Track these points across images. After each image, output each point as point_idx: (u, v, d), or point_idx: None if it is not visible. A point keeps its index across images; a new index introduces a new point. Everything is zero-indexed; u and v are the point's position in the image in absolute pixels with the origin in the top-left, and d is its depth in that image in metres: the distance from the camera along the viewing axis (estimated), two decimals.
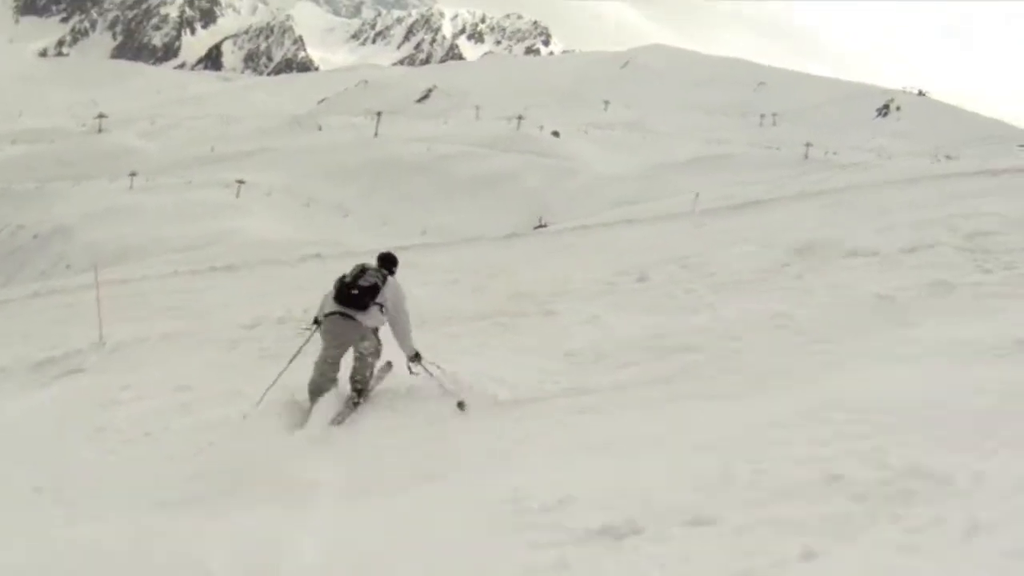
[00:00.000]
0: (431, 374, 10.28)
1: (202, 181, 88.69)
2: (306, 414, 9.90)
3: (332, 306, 10.08)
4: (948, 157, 70.08)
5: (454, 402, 9.71)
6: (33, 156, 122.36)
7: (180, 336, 17.11)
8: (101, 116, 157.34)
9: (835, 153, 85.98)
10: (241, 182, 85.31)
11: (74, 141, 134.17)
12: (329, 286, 10.37)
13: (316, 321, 10.40)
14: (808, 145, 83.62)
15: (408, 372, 10.45)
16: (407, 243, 40.80)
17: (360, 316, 9.99)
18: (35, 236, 79.06)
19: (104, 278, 43.98)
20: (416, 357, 10.33)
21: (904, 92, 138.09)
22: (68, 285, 47.10)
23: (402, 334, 10.31)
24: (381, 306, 10.13)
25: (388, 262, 10.87)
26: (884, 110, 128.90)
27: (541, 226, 48.36)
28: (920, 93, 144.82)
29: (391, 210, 75.38)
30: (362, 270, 10.21)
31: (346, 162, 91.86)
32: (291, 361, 10.48)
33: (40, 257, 74.01)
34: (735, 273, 15.86)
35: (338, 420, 9.84)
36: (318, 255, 39.90)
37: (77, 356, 16.56)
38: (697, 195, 37.87)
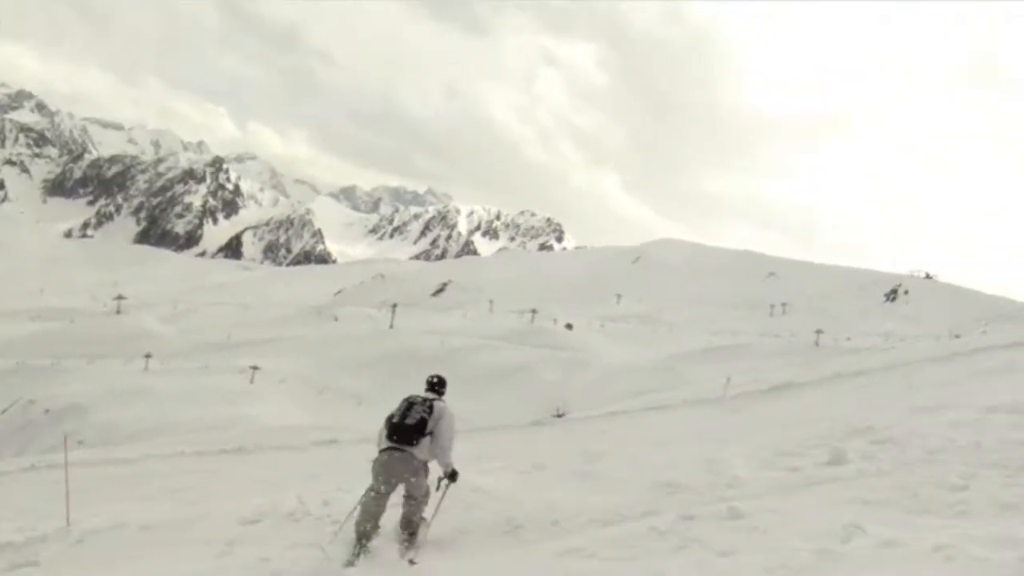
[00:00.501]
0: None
1: (218, 366, 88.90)
2: (355, 557, 9.89)
3: (384, 443, 10.18)
4: (957, 336, 69.88)
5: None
6: (51, 333, 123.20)
7: (165, 528, 14.22)
8: (120, 298, 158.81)
9: (848, 339, 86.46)
10: (255, 368, 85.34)
11: (92, 321, 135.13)
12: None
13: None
14: (819, 332, 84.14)
15: (435, 488, 10.51)
16: None
17: (411, 450, 10.01)
18: (47, 411, 78.98)
19: (107, 457, 44.05)
20: (453, 475, 10.41)
21: (911, 276, 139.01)
22: (68, 460, 46.93)
23: (442, 449, 10.27)
24: (431, 435, 10.19)
25: (438, 386, 11.13)
26: (892, 295, 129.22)
27: (559, 415, 48.09)
28: (927, 276, 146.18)
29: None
30: (409, 405, 10.36)
31: (361, 353, 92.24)
32: (352, 512, 10.51)
33: (50, 433, 73.37)
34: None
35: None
36: (334, 440, 39.78)
37: (38, 544, 14.45)
38: (728, 379, 37.86)
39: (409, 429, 10.06)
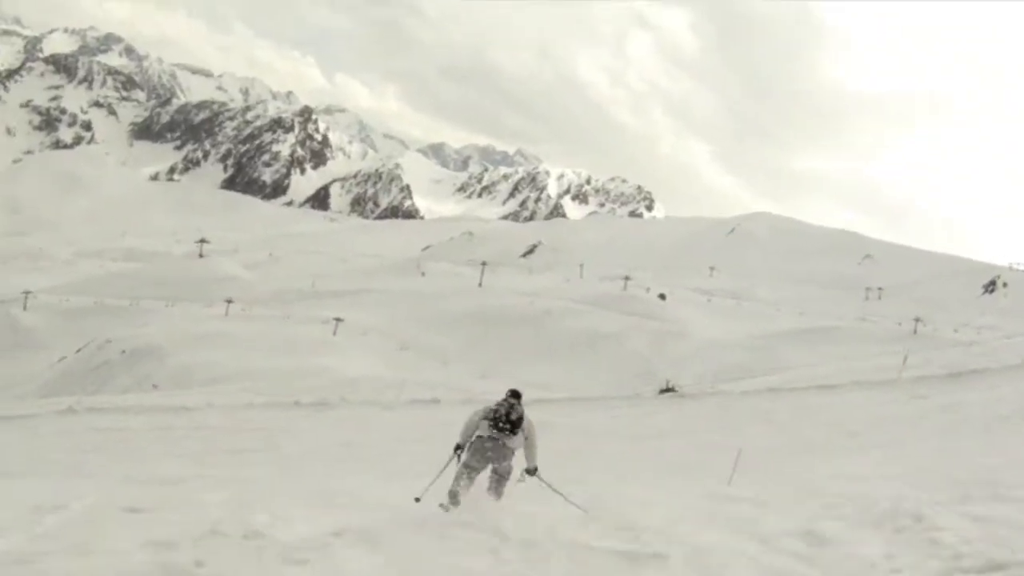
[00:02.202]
0: (549, 485, 12.08)
1: (300, 316, 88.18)
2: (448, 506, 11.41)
3: (487, 431, 11.67)
4: None
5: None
6: (131, 274, 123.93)
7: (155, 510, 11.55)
8: (203, 242, 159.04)
9: (955, 331, 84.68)
10: (339, 320, 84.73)
11: (174, 264, 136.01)
12: (457, 426, 12.30)
13: (458, 447, 11.93)
14: (917, 320, 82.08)
15: (518, 479, 12.06)
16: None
17: (509, 441, 11.69)
18: (123, 352, 78.72)
19: (169, 404, 42.01)
20: (534, 471, 12.11)
21: (1011, 269, 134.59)
22: (110, 404, 45.13)
23: (533, 451, 12.03)
24: (524, 435, 11.89)
25: (518, 396, 12.19)
26: (991, 287, 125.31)
27: (668, 389, 45.57)
28: None
29: (492, 361, 74.06)
30: (511, 406, 11.78)
31: (448, 310, 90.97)
32: (441, 471, 12.02)
33: (126, 374, 73.43)
34: None
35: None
36: (435, 400, 37.55)
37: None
38: (905, 358, 35.81)
39: (509, 424, 11.64)
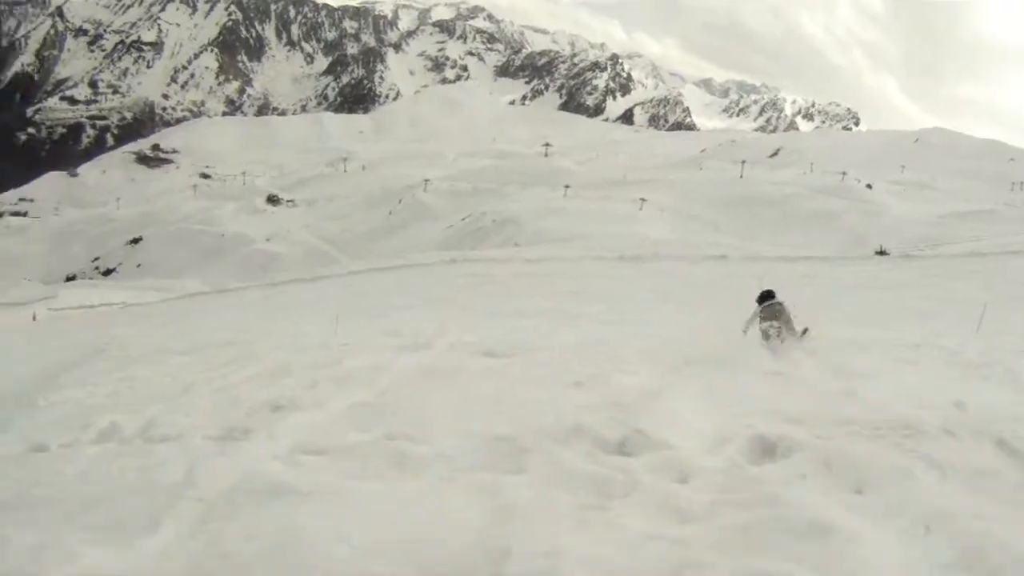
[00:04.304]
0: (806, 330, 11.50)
1: (615, 197, 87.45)
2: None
3: (765, 302, 11.68)
4: None
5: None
6: (498, 168, 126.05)
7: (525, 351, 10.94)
8: (547, 145, 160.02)
9: None
10: (643, 199, 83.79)
11: (527, 160, 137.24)
12: (737, 296, 13.39)
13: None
14: None
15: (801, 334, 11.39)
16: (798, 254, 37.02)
17: (780, 306, 11.53)
18: (493, 221, 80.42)
19: (522, 255, 41.64)
20: (806, 330, 11.45)
21: None
22: (483, 256, 45.54)
23: (791, 323, 11.37)
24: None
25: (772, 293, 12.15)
26: None
27: (881, 252, 42.40)
28: None
29: (751, 230, 71.83)
30: (770, 292, 11.91)
31: (718, 193, 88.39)
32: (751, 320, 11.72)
33: (496, 236, 74.82)
34: None
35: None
36: (724, 256, 35.68)
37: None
38: None
39: (774, 294, 11.75)
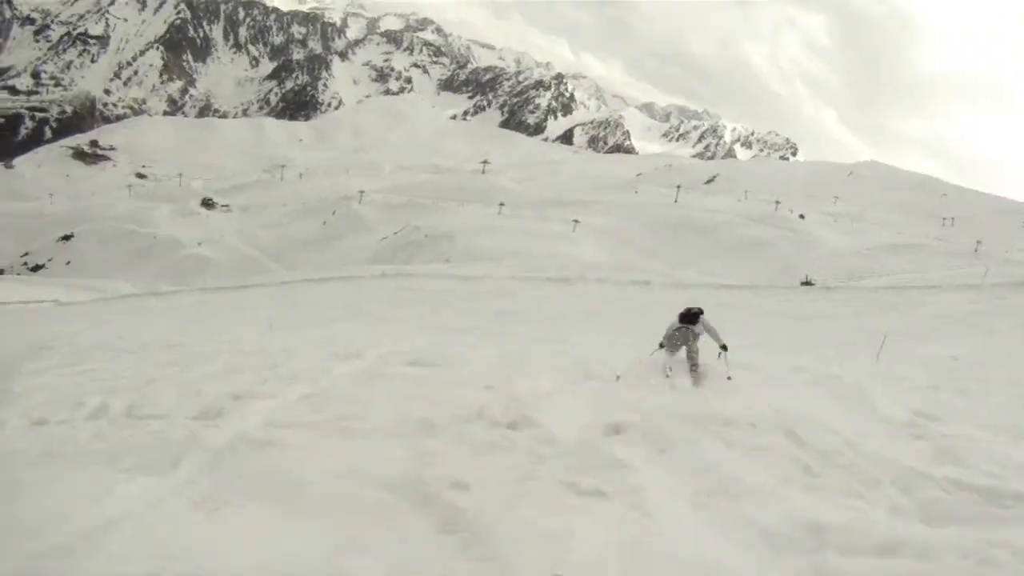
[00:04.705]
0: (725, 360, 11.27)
1: (550, 217, 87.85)
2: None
3: (677, 324, 11.58)
4: None
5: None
6: (435, 183, 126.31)
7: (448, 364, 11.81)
8: (485, 163, 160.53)
9: (1007, 251, 79.45)
10: (577, 221, 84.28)
11: (464, 177, 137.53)
12: (658, 321, 12.60)
13: (661, 345, 11.65)
14: (979, 242, 77.45)
15: (716, 356, 11.39)
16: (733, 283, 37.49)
17: (694, 328, 11.46)
18: (427, 236, 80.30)
19: (456, 273, 41.92)
20: (725, 347, 11.38)
21: None
22: (414, 271, 46.10)
23: (716, 332, 11.30)
24: (705, 328, 11.42)
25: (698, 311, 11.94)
26: None
27: (807, 283, 43.78)
28: None
29: (682, 256, 72.91)
30: (688, 310, 11.70)
31: (654, 217, 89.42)
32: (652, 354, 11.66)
33: (429, 251, 74.86)
34: None
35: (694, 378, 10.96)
36: (647, 282, 36.23)
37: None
38: (987, 270, 33.10)
39: (692, 316, 11.51)
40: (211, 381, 10.33)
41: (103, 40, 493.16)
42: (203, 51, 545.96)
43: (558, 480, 6.59)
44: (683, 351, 11.69)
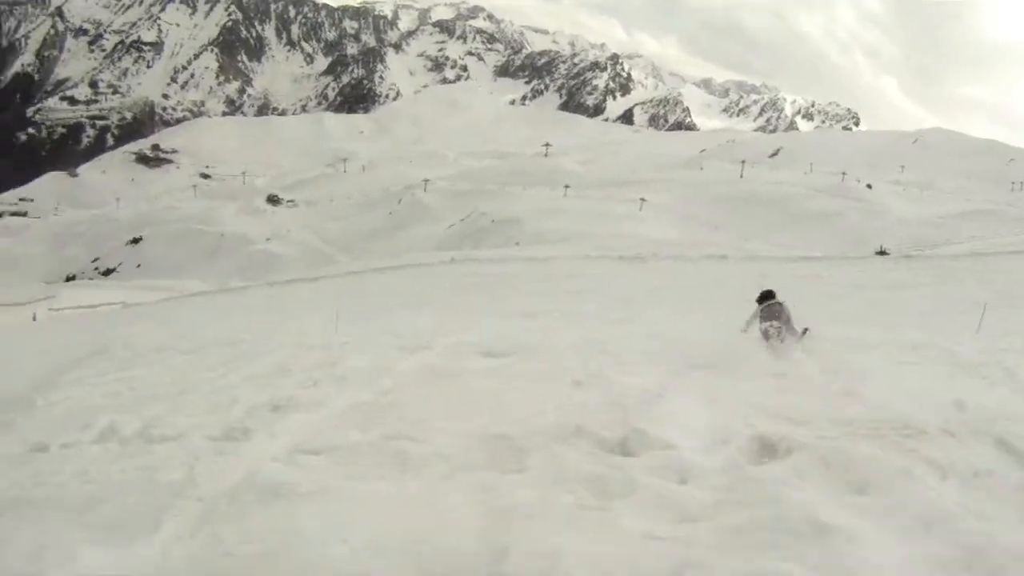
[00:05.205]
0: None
1: (615, 197, 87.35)
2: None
3: (765, 302, 11.77)
4: None
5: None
6: (498, 168, 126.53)
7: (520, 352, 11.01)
8: (547, 145, 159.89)
9: None
10: (643, 199, 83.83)
11: (527, 160, 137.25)
12: (737, 295, 13.69)
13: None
14: None
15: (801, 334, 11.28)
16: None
17: (783, 303, 11.64)
18: (493, 221, 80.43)
19: (522, 255, 41.64)
20: (806, 330, 11.42)
21: None
22: (482, 256, 45.77)
23: (795, 318, 11.47)
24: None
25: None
26: None
27: (881, 252, 42.94)
28: None
29: (750, 230, 72.07)
30: (770, 292, 12.02)
31: (719, 193, 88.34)
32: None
33: (496, 236, 74.78)
34: None
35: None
36: (724, 256, 35.69)
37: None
38: None
39: (771, 294, 11.86)
40: (252, 386, 9.23)
41: (157, 46, 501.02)
42: (257, 51, 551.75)
43: (730, 571, 3.98)
44: (766, 328, 11.17)
